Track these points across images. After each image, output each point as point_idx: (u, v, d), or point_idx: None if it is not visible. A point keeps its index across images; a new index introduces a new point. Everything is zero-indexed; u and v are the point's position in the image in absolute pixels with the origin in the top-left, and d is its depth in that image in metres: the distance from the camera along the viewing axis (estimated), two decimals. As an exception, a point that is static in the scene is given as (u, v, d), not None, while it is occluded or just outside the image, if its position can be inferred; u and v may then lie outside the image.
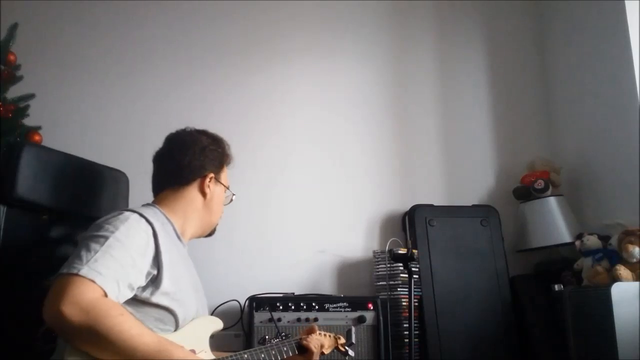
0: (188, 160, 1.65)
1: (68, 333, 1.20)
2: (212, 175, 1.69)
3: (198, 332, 1.52)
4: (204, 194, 1.67)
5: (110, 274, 1.27)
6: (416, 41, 3.19)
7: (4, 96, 2.34)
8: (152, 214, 1.52)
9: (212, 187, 1.68)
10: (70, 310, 1.17)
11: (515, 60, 3.25)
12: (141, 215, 1.46)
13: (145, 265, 1.39)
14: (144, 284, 1.39)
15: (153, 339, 1.25)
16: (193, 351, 1.43)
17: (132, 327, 1.23)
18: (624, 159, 2.57)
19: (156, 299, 1.39)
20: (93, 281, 1.22)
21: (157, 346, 1.24)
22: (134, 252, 1.36)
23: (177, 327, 1.45)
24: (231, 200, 1.80)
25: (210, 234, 1.80)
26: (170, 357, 1.24)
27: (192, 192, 1.66)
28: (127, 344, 1.19)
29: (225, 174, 1.77)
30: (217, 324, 1.63)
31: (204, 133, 1.73)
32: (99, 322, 1.17)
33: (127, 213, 1.44)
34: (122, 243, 1.34)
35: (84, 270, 1.23)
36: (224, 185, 1.75)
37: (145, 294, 1.39)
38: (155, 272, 1.42)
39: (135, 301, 1.37)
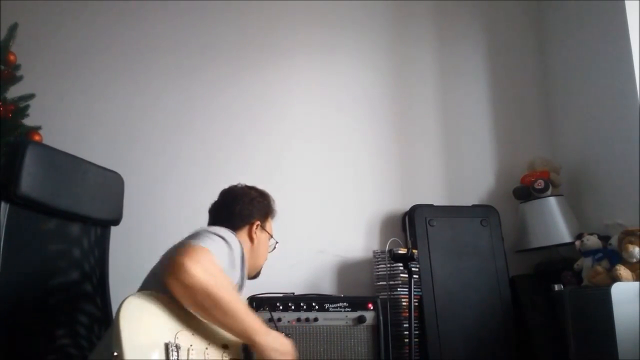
0: (239, 209, 1.86)
1: (186, 286, 1.35)
2: (258, 223, 1.88)
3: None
4: (251, 239, 1.87)
5: (221, 262, 1.49)
6: (416, 41, 3.19)
7: (4, 96, 2.35)
8: None
9: (258, 234, 1.88)
10: (197, 269, 1.34)
11: (516, 60, 3.25)
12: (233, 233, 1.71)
13: (235, 273, 1.62)
14: None
15: (257, 318, 1.48)
16: (225, 346, 1.53)
17: (243, 304, 1.46)
18: (624, 159, 2.57)
19: None
20: (204, 246, 1.44)
21: (260, 324, 1.48)
22: (235, 258, 1.60)
23: None
24: (274, 247, 1.99)
25: (255, 277, 1.96)
26: (267, 335, 1.48)
27: (241, 237, 1.83)
28: (236, 314, 1.42)
29: (270, 224, 1.97)
30: None
31: (252, 188, 1.96)
32: (221, 289, 1.37)
33: (225, 229, 1.67)
34: (231, 247, 1.58)
35: (212, 248, 1.45)
36: (269, 234, 1.94)
37: None
38: (238, 284, 1.65)
39: None
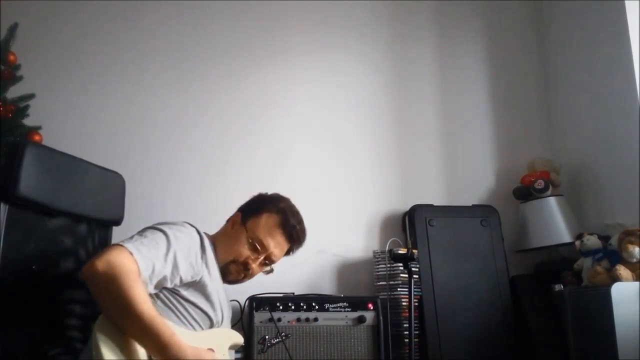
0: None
1: (92, 282, 1.35)
2: (239, 214, 1.84)
3: (219, 338, 1.64)
4: (226, 227, 1.85)
5: (149, 256, 1.42)
6: (416, 41, 3.19)
7: (4, 96, 2.34)
8: (203, 234, 1.72)
9: (235, 228, 1.81)
10: (100, 264, 1.33)
11: (516, 60, 3.25)
12: (193, 226, 1.67)
13: (185, 266, 1.53)
14: (179, 282, 1.52)
15: (152, 311, 1.34)
16: (211, 350, 1.51)
17: (140, 294, 1.33)
18: (624, 159, 2.57)
19: (197, 300, 1.57)
20: (131, 254, 1.38)
21: (153, 317, 1.33)
22: (178, 251, 1.51)
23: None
24: (269, 268, 1.89)
25: (230, 282, 1.84)
26: (158, 331, 1.32)
27: (226, 225, 1.87)
28: (130, 303, 1.30)
29: (260, 228, 1.80)
30: (238, 338, 1.76)
31: (276, 198, 1.90)
32: (117, 277, 1.31)
33: (182, 222, 1.65)
34: (169, 240, 1.51)
35: (129, 245, 1.40)
36: (247, 234, 1.78)
37: (187, 293, 1.55)
38: (197, 277, 1.57)
39: (180, 297, 1.54)
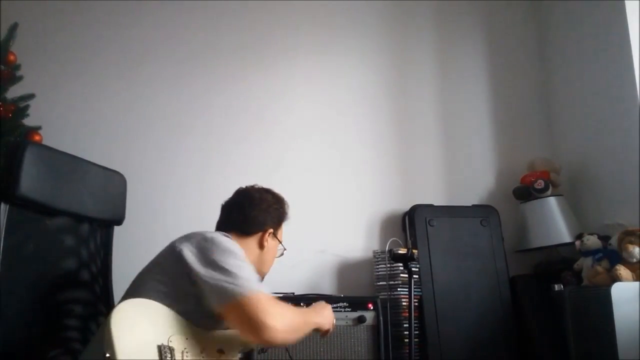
0: (254, 215, 1.84)
1: (282, 339, 1.45)
2: (271, 230, 1.87)
3: (229, 338, 1.62)
4: (261, 246, 1.85)
5: (253, 278, 1.51)
6: (416, 41, 3.19)
7: (4, 96, 2.35)
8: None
9: (269, 241, 1.87)
10: (273, 321, 1.40)
11: (516, 60, 3.25)
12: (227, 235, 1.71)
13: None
14: None
15: (298, 311, 1.64)
16: (220, 350, 1.52)
17: (299, 310, 1.70)
18: (624, 159, 2.57)
19: None
20: (259, 291, 1.45)
21: (303, 313, 1.67)
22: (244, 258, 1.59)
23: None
24: (282, 254, 1.98)
25: None
26: (310, 316, 1.69)
27: (251, 242, 1.84)
28: (304, 320, 1.61)
29: (282, 231, 1.96)
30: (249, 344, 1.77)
31: (269, 192, 1.95)
32: (290, 318, 1.50)
33: (220, 234, 1.65)
34: (238, 255, 1.56)
35: (249, 288, 1.44)
36: (279, 241, 1.93)
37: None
38: None
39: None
